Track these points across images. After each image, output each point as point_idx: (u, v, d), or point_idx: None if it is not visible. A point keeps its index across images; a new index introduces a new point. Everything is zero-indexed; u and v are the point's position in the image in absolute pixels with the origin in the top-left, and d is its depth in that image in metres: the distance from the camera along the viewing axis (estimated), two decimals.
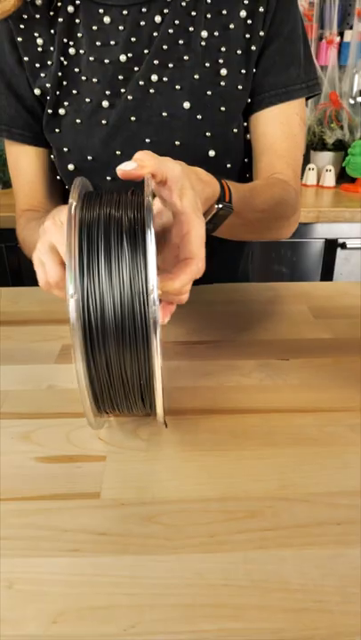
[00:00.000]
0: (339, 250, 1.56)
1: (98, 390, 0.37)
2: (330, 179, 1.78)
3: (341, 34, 1.76)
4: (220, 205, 0.48)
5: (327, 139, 1.76)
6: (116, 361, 0.35)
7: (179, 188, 0.39)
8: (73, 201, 0.37)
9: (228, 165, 0.68)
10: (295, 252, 1.56)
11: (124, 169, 0.38)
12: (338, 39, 1.75)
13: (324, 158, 1.79)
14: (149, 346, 0.34)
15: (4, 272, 1.58)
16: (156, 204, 0.43)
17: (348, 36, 1.76)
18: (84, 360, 0.35)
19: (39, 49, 0.67)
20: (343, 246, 1.55)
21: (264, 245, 1.56)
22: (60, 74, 0.66)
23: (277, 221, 0.66)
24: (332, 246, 1.57)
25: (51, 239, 0.42)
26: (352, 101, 1.82)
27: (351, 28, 1.75)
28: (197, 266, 0.38)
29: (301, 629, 0.29)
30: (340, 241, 1.55)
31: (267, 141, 0.68)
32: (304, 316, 0.68)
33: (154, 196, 0.41)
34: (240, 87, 0.65)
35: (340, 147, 1.80)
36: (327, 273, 1.59)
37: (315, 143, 1.79)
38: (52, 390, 0.52)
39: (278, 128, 0.67)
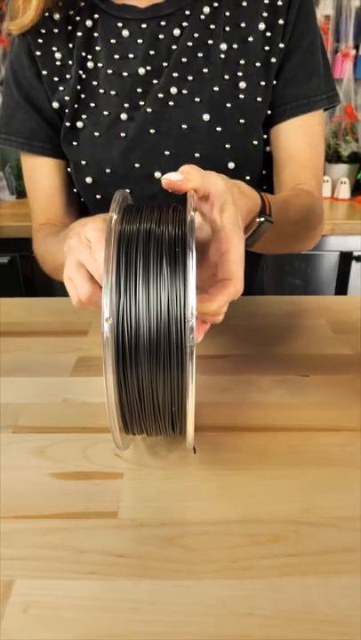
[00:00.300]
0: (354, 262, 1.55)
1: (127, 413, 0.36)
2: (345, 191, 1.77)
3: (357, 47, 1.76)
4: (262, 219, 0.48)
5: (342, 151, 1.75)
6: (148, 385, 0.34)
7: (220, 204, 0.38)
8: (113, 214, 0.36)
9: (248, 177, 0.67)
10: (310, 265, 1.55)
11: (170, 179, 0.37)
12: (353, 52, 1.75)
13: (339, 170, 1.79)
14: (184, 373, 0.33)
15: (18, 281, 1.58)
16: (196, 219, 0.42)
17: None
18: (115, 382, 0.34)
19: (57, 63, 0.67)
20: (358, 259, 1.54)
21: (278, 257, 1.55)
22: (78, 87, 0.66)
23: (307, 232, 0.66)
24: (347, 259, 1.56)
25: (78, 257, 0.42)
26: None
27: None
28: (235, 287, 0.37)
29: None
30: (356, 254, 1.54)
31: (290, 153, 0.68)
32: (323, 330, 0.66)
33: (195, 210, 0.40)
34: (259, 99, 0.65)
35: (355, 159, 1.79)
36: (342, 286, 1.57)
37: (330, 155, 1.78)
38: (67, 404, 0.51)
39: (301, 139, 0.67)
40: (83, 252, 0.41)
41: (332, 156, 1.79)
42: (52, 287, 1.60)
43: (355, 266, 1.55)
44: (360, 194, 1.78)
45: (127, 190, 0.67)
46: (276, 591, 0.32)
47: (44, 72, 0.67)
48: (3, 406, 0.51)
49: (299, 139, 0.67)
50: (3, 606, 0.31)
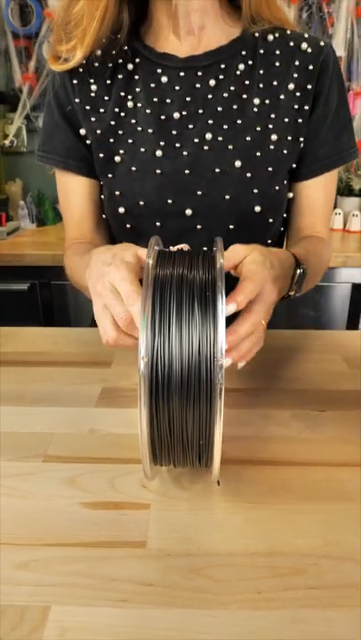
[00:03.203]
0: None
1: (158, 445, 0.38)
2: (356, 223, 1.81)
3: None
4: (300, 270, 0.57)
5: (354, 185, 1.79)
6: (178, 420, 0.37)
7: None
8: (149, 260, 0.39)
9: (271, 220, 0.71)
10: (322, 296, 1.58)
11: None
12: None
13: (351, 203, 1.83)
14: (213, 409, 0.36)
15: (37, 307, 1.62)
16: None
17: None
18: (148, 416, 0.36)
19: (92, 94, 0.71)
20: None
21: None
22: (112, 122, 0.70)
23: (317, 277, 0.72)
24: (358, 290, 1.58)
25: (105, 303, 0.45)
26: None
27: None
28: (254, 285, 0.46)
29: None
30: None
31: (311, 204, 0.74)
32: (338, 365, 0.68)
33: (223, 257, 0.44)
34: (285, 152, 0.69)
35: None
36: (354, 317, 1.59)
37: (342, 189, 1.83)
38: (94, 434, 0.54)
39: (322, 193, 0.74)
40: (108, 298, 0.44)
41: (344, 190, 1.83)
42: (69, 314, 1.64)
43: None
44: None
45: (158, 223, 0.71)
46: (299, 622, 0.33)
47: (77, 100, 0.71)
48: (33, 435, 0.53)
49: (320, 192, 0.74)
50: (41, 630, 0.33)
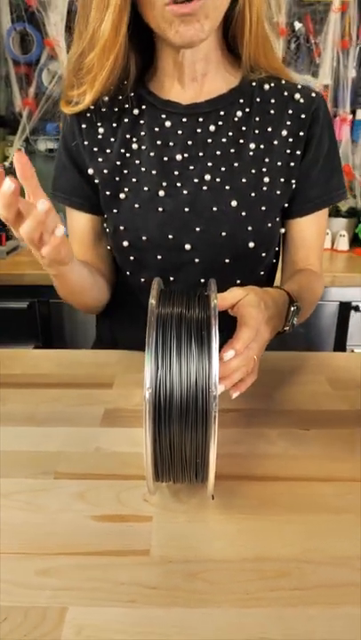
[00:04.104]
0: (352, 312, 1.64)
1: (160, 464, 0.44)
2: (343, 243, 1.88)
3: (353, 112, 1.91)
4: (294, 307, 0.63)
5: (341, 207, 1.87)
6: (178, 442, 0.42)
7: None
8: (152, 300, 0.45)
9: (263, 255, 0.77)
10: (311, 314, 1.64)
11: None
12: (350, 117, 1.89)
13: (338, 224, 1.90)
14: (208, 433, 0.41)
15: (35, 324, 1.67)
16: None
17: (360, 114, 1.91)
18: (151, 439, 0.42)
19: (99, 136, 0.77)
20: (356, 309, 1.63)
21: None
22: (118, 162, 0.76)
23: (312, 308, 0.79)
24: (346, 308, 1.65)
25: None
26: None
27: None
28: (250, 331, 0.52)
29: None
30: (354, 304, 1.63)
31: (304, 239, 0.81)
32: (322, 387, 0.74)
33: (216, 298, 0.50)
34: (278, 192, 0.75)
35: (353, 214, 1.91)
36: (341, 334, 1.66)
37: (330, 210, 1.90)
38: (100, 453, 0.59)
39: (314, 229, 0.81)
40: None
41: (332, 211, 1.91)
42: (67, 331, 1.69)
43: (353, 315, 1.64)
44: (358, 246, 1.89)
45: (159, 256, 0.77)
46: (284, 619, 0.39)
47: (86, 142, 0.77)
48: (43, 454, 0.58)
49: (312, 228, 0.80)
50: (60, 629, 0.38)
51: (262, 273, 0.81)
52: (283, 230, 0.81)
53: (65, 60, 1.78)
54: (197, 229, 0.75)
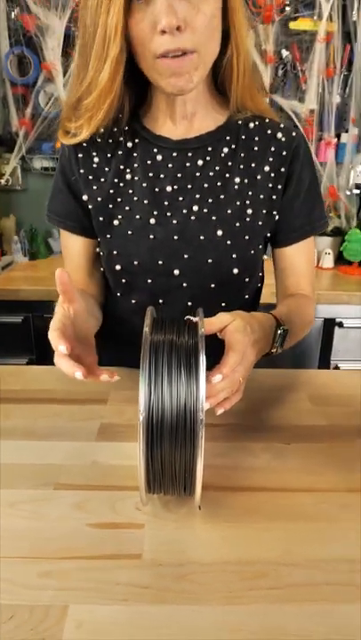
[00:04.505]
0: (336, 328, 1.70)
1: (152, 478, 0.49)
2: (328, 261, 1.95)
3: (338, 136, 1.99)
4: (281, 330, 0.69)
5: None
6: (168, 458, 0.47)
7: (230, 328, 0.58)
8: (146, 328, 0.50)
9: (247, 280, 0.83)
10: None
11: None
12: (335, 140, 1.97)
13: (324, 242, 1.97)
14: (195, 450, 0.46)
15: (29, 338, 1.71)
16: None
17: (345, 137, 1.99)
18: (145, 455, 0.47)
19: (94, 165, 0.82)
20: (340, 325, 1.70)
21: None
22: (112, 191, 0.81)
23: (303, 331, 0.84)
24: (330, 324, 1.71)
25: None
26: (348, 192, 2.03)
27: (347, 131, 1.99)
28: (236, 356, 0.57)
29: None
30: (338, 320, 1.69)
31: (294, 267, 0.87)
32: (303, 403, 0.80)
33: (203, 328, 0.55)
34: (260, 223, 0.81)
35: (338, 233, 1.99)
36: (326, 349, 1.72)
37: None
38: (96, 465, 0.64)
39: (303, 257, 0.87)
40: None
41: None
42: None
43: (338, 331, 1.71)
44: (342, 263, 1.96)
45: (149, 280, 0.82)
46: (261, 614, 0.44)
47: (82, 171, 0.82)
48: (44, 467, 0.63)
49: (300, 256, 0.87)
50: (62, 624, 0.43)
51: (247, 296, 0.86)
52: (265, 257, 0.87)
53: (61, 83, 1.84)
54: (185, 256, 0.80)
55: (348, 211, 2.00)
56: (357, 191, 2.01)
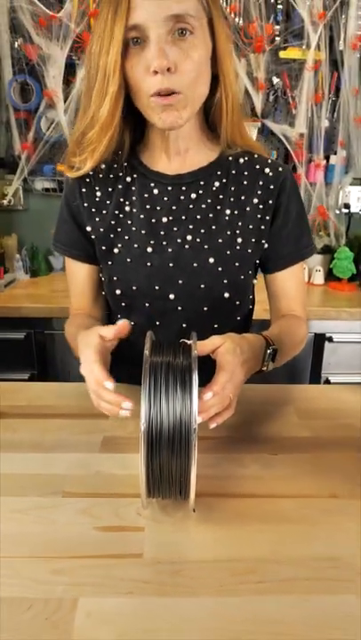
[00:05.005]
0: (326, 343, 1.77)
1: (152, 483, 0.55)
2: (319, 277, 2.03)
3: (327, 158, 2.08)
4: (270, 350, 0.75)
5: (317, 244, 2.02)
6: (166, 466, 0.53)
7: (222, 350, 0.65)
8: (146, 351, 0.56)
9: (238, 303, 0.89)
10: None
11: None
12: (324, 162, 2.06)
13: (314, 260, 2.05)
14: (190, 459, 0.53)
15: (31, 354, 1.77)
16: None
17: (333, 159, 2.08)
18: (145, 463, 0.53)
19: (97, 199, 0.89)
20: (330, 340, 1.76)
21: None
22: (112, 222, 0.88)
23: (294, 350, 0.91)
24: (321, 339, 1.78)
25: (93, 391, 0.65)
26: (337, 212, 2.11)
27: (335, 153, 2.07)
28: (227, 376, 0.63)
29: None
30: (328, 335, 1.76)
31: (285, 291, 0.94)
32: (290, 416, 0.86)
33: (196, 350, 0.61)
34: (250, 251, 0.88)
35: (328, 250, 2.07)
36: (317, 362, 1.79)
37: None
38: (100, 475, 0.69)
39: (293, 281, 0.94)
40: (92, 386, 0.65)
41: None
42: (59, 360, 1.79)
43: (328, 345, 1.77)
44: (332, 280, 2.04)
45: (146, 304, 0.89)
46: (250, 605, 0.50)
47: (85, 204, 0.89)
48: (53, 476, 0.69)
49: (290, 280, 0.94)
50: (73, 614, 0.48)
51: (238, 318, 0.93)
52: (255, 281, 0.94)
53: (62, 109, 1.92)
54: (180, 282, 0.87)
55: (337, 229, 2.08)
56: (346, 210, 2.09)
